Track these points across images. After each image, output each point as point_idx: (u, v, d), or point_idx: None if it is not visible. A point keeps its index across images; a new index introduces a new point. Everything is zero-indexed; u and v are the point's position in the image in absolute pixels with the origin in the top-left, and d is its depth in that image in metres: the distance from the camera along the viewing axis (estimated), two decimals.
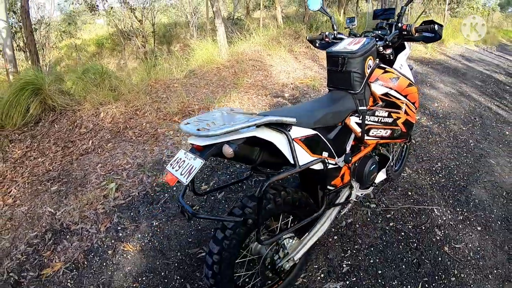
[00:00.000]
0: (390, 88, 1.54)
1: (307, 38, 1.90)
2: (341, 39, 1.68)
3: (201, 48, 4.44)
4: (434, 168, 2.58)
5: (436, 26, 1.39)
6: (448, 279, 1.57)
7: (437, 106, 4.00)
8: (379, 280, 1.56)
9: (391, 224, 1.94)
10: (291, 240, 1.36)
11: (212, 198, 2.12)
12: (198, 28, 8.57)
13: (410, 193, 2.24)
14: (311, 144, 1.22)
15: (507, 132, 3.31)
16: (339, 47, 1.47)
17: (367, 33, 1.69)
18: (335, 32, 1.76)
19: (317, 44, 1.84)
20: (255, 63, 4.66)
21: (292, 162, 1.13)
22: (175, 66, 4.07)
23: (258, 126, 1.03)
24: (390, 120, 1.57)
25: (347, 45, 1.46)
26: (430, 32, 1.43)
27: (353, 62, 1.39)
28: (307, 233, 1.41)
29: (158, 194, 2.14)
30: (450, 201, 2.18)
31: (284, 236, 1.32)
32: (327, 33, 1.78)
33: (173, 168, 1.06)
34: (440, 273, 1.60)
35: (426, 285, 1.53)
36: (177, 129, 2.87)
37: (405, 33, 1.51)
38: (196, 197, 2.11)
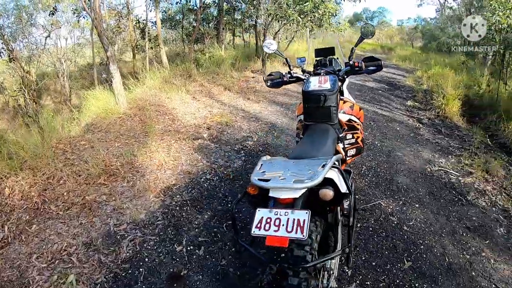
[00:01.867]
0: (351, 115, 2.20)
1: (264, 78, 2.40)
2: (297, 77, 2.27)
3: (96, 97, 4.36)
4: (362, 171, 3.44)
5: (381, 62, 2.13)
6: (419, 247, 2.26)
7: None
8: (377, 270, 2.09)
9: (358, 225, 2.55)
10: (333, 260, 1.66)
11: (194, 256, 2.23)
12: (70, 77, 8.02)
13: (357, 196, 2.95)
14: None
15: (398, 128, 4.70)
16: (314, 87, 2.01)
17: (318, 70, 2.32)
18: (291, 72, 2.33)
19: (268, 83, 2.37)
20: (158, 108, 4.88)
21: (347, 191, 1.45)
22: (66, 122, 3.87)
23: None
24: (353, 140, 2.21)
25: (318, 83, 2.03)
26: (376, 66, 2.15)
27: (332, 98, 1.97)
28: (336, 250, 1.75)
29: (130, 271, 2.08)
30: (388, 193, 3.00)
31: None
32: (284, 73, 2.34)
33: (266, 230, 1.23)
34: (411, 246, 2.28)
35: (409, 258, 2.16)
36: (109, 193, 2.80)
37: (357, 68, 2.16)
38: (177, 260, 2.18)
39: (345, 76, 2.25)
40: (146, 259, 2.18)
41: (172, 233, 2.47)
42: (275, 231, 1.22)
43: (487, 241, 2.28)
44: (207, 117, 5.08)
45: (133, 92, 5.18)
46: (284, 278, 1.35)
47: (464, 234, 2.38)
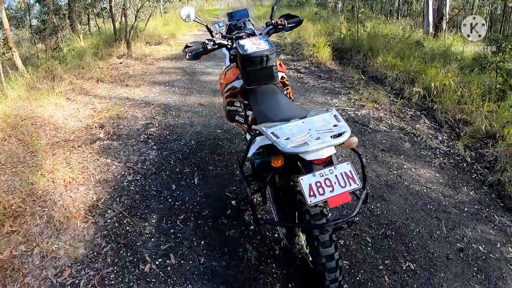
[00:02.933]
0: (282, 72, 2.27)
1: (185, 51, 2.14)
2: (220, 44, 2.16)
3: None
4: None
5: (301, 18, 2.29)
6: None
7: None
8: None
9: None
10: None
11: (169, 268, 2.06)
12: None
13: None
14: None
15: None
16: (252, 49, 1.94)
17: (238, 33, 2.26)
18: (214, 39, 2.18)
19: (188, 56, 2.14)
20: (33, 121, 4.02)
21: None
22: None
23: None
24: (288, 96, 2.32)
25: (253, 45, 1.96)
26: (295, 22, 2.29)
27: (272, 57, 1.96)
28: None
29: None
30: None
31: None
32: (206, 41, 2.14)
33: (322, 194, 1.18)
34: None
35: (366, 211, 2.51)
36: (24, 240, 2.23)
37: (280, 27, 2.23)
38: (153, 281, 1.98)
39: (268, 36, 2.32)
40: None
41: (129, 254, 2.18)
42: (331, 191, 1.20)
43: (402, 156, 2.88)
44: (93, 115, 4.47)
45: None
46: (313, 238, 1.38)
47: (383, 156, 2.92)
